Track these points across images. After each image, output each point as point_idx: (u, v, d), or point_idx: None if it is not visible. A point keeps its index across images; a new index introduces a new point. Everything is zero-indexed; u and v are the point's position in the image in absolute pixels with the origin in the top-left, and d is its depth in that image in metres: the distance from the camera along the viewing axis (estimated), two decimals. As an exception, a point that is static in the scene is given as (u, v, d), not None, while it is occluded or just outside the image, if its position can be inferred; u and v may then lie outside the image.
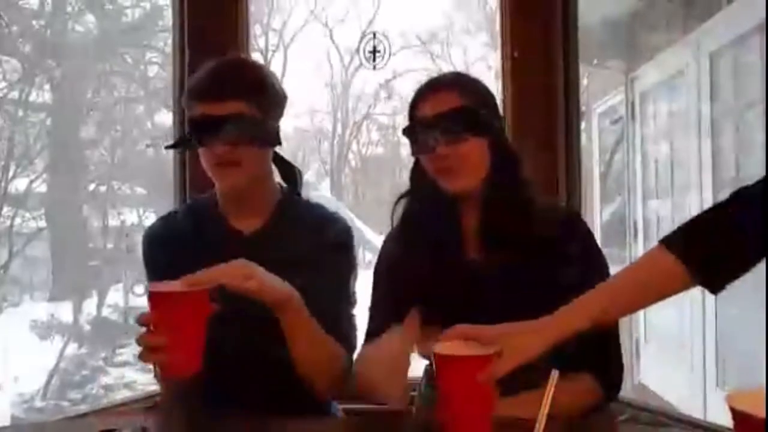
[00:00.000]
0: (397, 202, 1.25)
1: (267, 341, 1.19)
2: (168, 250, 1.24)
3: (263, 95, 1.19)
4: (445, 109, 1.13)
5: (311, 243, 1.23)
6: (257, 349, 1.17)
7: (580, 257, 1.15)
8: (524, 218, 1.14)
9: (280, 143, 1.24)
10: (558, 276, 1.10)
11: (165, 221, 1.31)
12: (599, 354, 1.11)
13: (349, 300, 1.27)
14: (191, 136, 1.17)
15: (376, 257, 1.29)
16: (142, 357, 0.95)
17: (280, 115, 1.25)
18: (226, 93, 1.14)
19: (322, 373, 1.15)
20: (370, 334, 1.21)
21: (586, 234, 1.20)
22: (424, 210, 1.20)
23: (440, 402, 0.90)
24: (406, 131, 1.18)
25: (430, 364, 1.23)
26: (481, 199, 1.16)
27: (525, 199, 1.16)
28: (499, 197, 1.15)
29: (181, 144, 1.29)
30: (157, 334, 0.92)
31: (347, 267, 1.27)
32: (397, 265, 1.21)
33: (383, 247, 1.28)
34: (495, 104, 1.22)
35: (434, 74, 1.25)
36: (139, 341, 0.94)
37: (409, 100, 1.21)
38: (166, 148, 1.35)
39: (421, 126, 1.15)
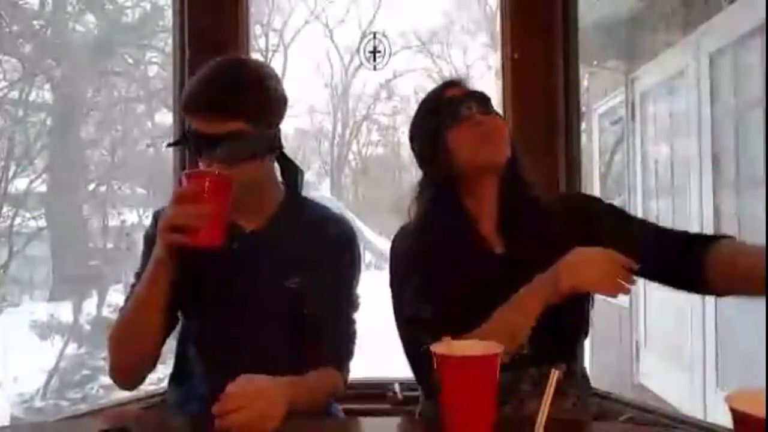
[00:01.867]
0: (414, 202, 1.26)
1: (270, 341, 1.19)
2: None
3: (261, 109, 1.16)
4: (473, 90, 1.20)
5: (313, 242, 1.22)
6: (260, 348, 1.18)
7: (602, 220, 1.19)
8: (538, 209, 1.19)
9: (281, 147, 1.23)
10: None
11: None
12: None
13: (352, 303, 1.26)
14: (189, 143, 1.16)
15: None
16: (175, 227, 1.03)
17: (280, 119, 1.23)
18: (221, 112, 1.11)
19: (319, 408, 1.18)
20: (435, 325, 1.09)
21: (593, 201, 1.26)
22: (438, 209, 1.20)
23: (441, 402, 0.90)
24: (432, 112, 1.20)
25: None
26: (499, 186, 1.20)
27: (535, 195, 1.21)
28: (513, 190, 1.20)
29: (182, 143, 1.28)
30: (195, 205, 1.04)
31: (350, 269, 1.26)
32: (419, 258, 1.19)
33: (397, 244, 1.24)
34: None
35: (434, 74, 1.27)
36: (176, 214, 1.03)
37: (417, 98, 1.25)
38: (168, 146, 1.34)
39: (455, 100, 1.18)
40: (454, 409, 0.89)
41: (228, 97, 1.11)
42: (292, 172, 1.27)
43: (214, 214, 1.05)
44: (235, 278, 1.20)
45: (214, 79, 1.14)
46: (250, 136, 1.13)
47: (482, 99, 1.20)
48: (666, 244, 1.12)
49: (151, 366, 1.19)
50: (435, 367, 0.89)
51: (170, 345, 1.26)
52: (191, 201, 1.04)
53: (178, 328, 1.29)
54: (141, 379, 1.20)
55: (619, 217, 1.22)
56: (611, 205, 1.25)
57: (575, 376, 1.17)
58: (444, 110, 1.19)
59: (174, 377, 1.29)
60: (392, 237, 1.27)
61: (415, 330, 1.13)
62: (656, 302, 4.33)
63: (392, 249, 1.24)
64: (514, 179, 1.20)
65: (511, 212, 1.19)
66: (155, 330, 1.14)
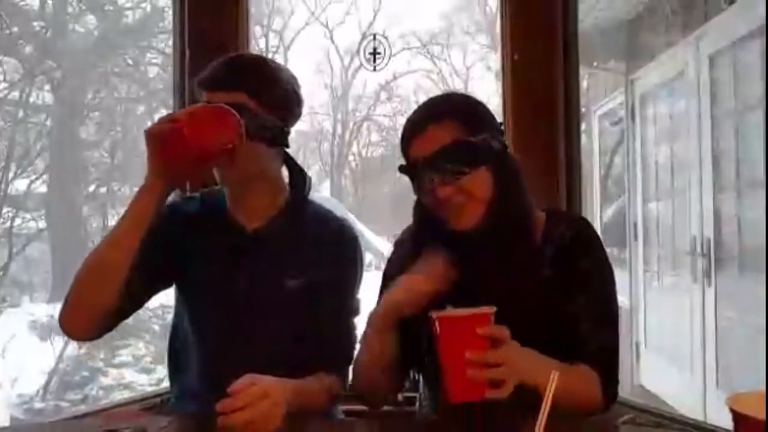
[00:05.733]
0: (401, 240, 1.24)
1: (269, 340, 1.19)
2: (174, 227, 1.23)
3: (267, 90, 1.17)
4: (437, 147, 1.05)
5: (314, 244, 1.22)
6: (259, 347, 1.18)
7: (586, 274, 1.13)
8: (528, 251, 1.11)
9: (286, 144, 1.23)
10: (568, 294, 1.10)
11: (183, 201, 1.29)
12: (601, 351, 1.10)
13: (351, 310, 1.25)
14: None
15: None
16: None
17: (287, 115, 1.22)
18: (226, 83, 1.14)
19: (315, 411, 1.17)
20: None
21: (590, 251, 1.15)
22: (426, 232, 1.15)
23: (440, 363, 0.93)
24: (403, 170, 1.13)
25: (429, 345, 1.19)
26: (486, 232, 1.09)
27: (527, 229, 1.12)
28: (504, 234, 1.08)
29: None
30: None
31: (351, 272, 1.26)
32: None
33: (390, 253, 1.26)
34: (492, 121, 1.13)
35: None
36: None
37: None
38: None
39: (416, 167, 1.09)
40: (451, 367, 0.93)
41: (236, 72, 1.17)
42: (298, 175, 1.28)
43: (207, 118, 1.07)
44: (235, 276, 1.20)
45: (229, 60, 1.20)
46: (252, 112, 1.14)
47: (447, 158, 1.05)
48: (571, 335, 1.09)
49: (106, 320, 1.14)
50: (434, 332, 0.93)
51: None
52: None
53: (172, 324, 1.29)
54: (92, 330, 1.16)
55: (584, 289, 1.12)
56: (594, 273, 1.14)
57: None
58: (410, 172, 1.11)
59: (169, 375, 1.30)
60: (392, 238, 1.27)
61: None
62: (656, 302, 4.33)
63: (389, 257, 1.27)
64: (509, 209, 1.09)
65: (501, 251, 1.09)
66: (122, 269, 1.09)
